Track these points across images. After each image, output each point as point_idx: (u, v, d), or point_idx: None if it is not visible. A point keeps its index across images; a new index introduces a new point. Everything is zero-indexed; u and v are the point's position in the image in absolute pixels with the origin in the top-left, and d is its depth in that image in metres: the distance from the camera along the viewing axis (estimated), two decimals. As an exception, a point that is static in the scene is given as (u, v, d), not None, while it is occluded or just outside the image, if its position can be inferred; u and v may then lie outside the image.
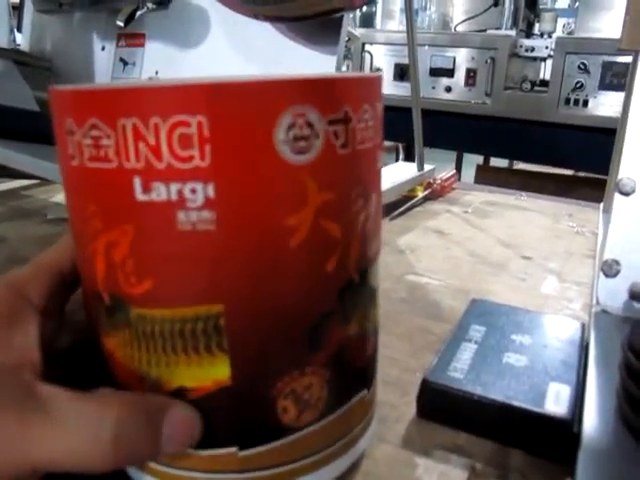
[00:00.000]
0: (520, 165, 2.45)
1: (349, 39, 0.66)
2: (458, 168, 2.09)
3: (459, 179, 0.83)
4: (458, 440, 0.28)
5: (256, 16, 0.52)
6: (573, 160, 1.45)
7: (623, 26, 0.37)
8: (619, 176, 0.38)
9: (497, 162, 2.19)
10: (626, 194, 0.38)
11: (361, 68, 1.63)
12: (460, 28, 1.66)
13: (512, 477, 0.26)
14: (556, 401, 0.28)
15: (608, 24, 1.44)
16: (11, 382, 0.18)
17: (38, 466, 0.17)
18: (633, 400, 0.27)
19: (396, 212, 0.64)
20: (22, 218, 0.59)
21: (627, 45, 0.37)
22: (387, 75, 1.63)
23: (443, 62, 1.53)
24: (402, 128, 0.77)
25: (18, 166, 0.50)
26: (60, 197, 0.67)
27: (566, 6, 2.10)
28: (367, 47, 1.63)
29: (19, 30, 0.76)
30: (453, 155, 2.11)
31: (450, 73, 1.53)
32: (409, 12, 0.60)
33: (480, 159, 2.10)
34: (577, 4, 1.56)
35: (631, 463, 0.25)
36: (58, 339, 0.22)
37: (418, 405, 0.29)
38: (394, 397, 0.31)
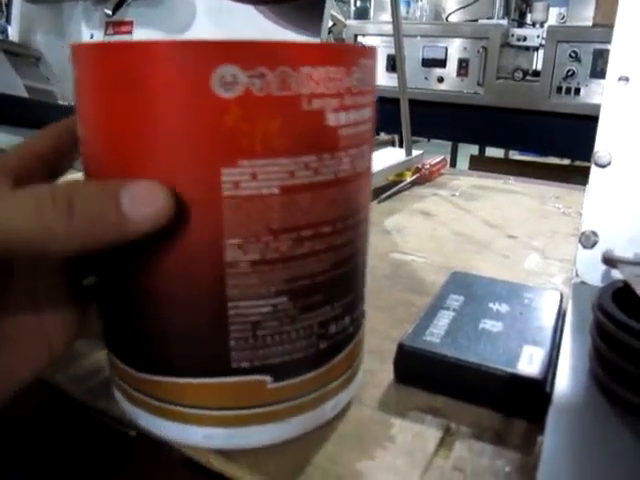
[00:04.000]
0: (516, 156, 2.45)
1: (334, 24, 0.67)
2: (453, 159, 2.09)
3: (454, 167, 0.84)
4: (434, 403, 0.29)
5: (242, 0, 0.52)
6: (566, 148, 1.46)
7: (596, 2, 0.37)
8: (595, 148, 0.38)
9: (493, 153, 2.20)
10: (602, 166, 0.38)
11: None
12: (452, 18, 1.66)
13: (486, 436, 0.26)
14: (529, 362, 0.28)
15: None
16: None
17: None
18: (603, 359, 0.27)
19: (384, 195, 0.64)
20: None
21: (600, 19, 0.37)
22: (380, 66, 1.63)
23: (435, 53, 1.53)
24: (396, 120, 0.77)
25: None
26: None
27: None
28: (360, 39, 1.63)
29: (7, 22, 0.76)
30: (449, 147, 2.12)
31: (442, 63, 1.54)
32: (394, 4, 0.60)
33: (476, 150, 2.10)
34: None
35: (601, 421, 0.26)
36: None
37: (395, 369, 0.30)
38: (373, 364, 0.32)
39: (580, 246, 0.39)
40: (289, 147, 0.20)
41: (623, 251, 0.36)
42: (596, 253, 0.38)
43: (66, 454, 0.27)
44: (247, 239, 0.20)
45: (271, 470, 0.24)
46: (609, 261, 0.36)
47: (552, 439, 0.24)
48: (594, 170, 0.39)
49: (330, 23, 0.54)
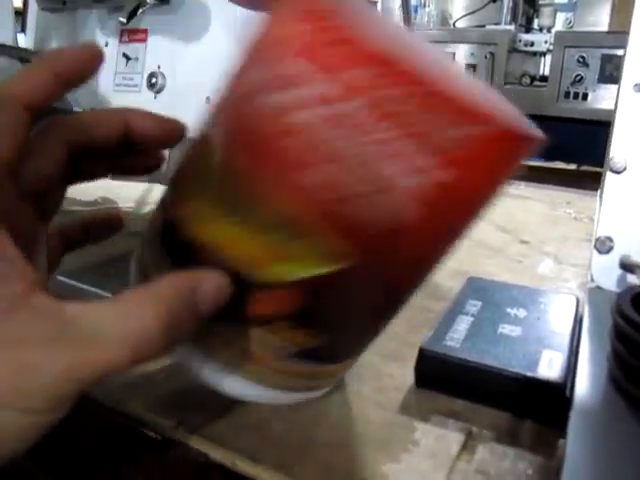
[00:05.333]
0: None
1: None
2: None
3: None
4: (455, 406, 0.29)
5: (257, 6, 0.53)
6: (574, 153, 1.46)
7: (612, 9, 0.37)
8: (610, 154, 0.39)
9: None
10: (617, 172, 0.38)
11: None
12: (459, 24, 1.67)
13: (507, 439, 0.27)
14: (549, 367, 0.29)
15: (607, 17, 1.44)
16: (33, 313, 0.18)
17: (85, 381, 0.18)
18: (623, 362, 0.28)
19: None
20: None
21: (615, 27, 0.37)
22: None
23: (443, 58, 1.54)
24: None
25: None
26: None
27: (566, 0, 2.11)
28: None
29: (23, 31, 0.77)
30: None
31: (450, 69, 1.54)
32: (406, 10, 0.61)
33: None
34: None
35: (621, 424, 0.26)
36: None
37: (416, 374, 0.30)
38: (393, 368, 0.32)
39: (595, 251, 0.39)
40: None
41: (639, 256, 0.37)
42: (611, 258, 0.39)
43: (93, 457, 0.28)
44: None
45: (296, 472, 0.24)
46: (627, 266, 0.36)
47: (574, 443, 0.24)
48: (609, 176, 0.39)
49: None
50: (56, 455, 0.30)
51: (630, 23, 0.38)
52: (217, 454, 0.25)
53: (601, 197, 0.55)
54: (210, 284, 0.20)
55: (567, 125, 1.43)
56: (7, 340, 0.17)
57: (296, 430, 0.27)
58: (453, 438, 0.27)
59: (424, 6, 1.69)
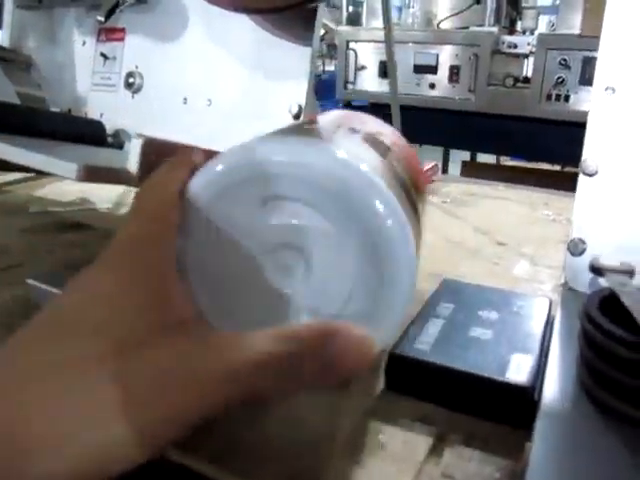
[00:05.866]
0: (507, 162, 2.46)
1: (326, 32, 0.67)
2: (445, 164, 2.10)
3: (445, 172, 0.84)
4: (424, 410, 0.29)
5: (235, 8, 0.52)
6: (556, 154, 1.47)
7: (583, 14, 0.38)
8: (583, 157, 0.39)
9: (485, 159, 2.21)
10: (590, 175, 0.39)
11: (346, 66, 1.64)
12: (443, 25, 1.67)
13: (475, 443, 0.27)
14: (518, 370, 0.29)
15: (588, 20, 1.46)
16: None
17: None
18: (590, 367, 0.28)
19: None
20: (5, 213, 0.60)
21: (587, 32, 0.38)
22: (372, 72, 1.64)
23: (427, 59, 1.54)
24: (387, 124, 0.78)
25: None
26: (42, 192, 0.67)
27: (549, 3, 2.12)
28: (352, 45, 1.64)
29: None
30: (440, 152, 2.13)
31: (434, 70, 1.55)
32: (385, 11, 0.61)
33: (467, 156, 2.11)
34: (558, 1, 1.58)
35: (587, 427, 0.26)
36: None
37: (386, 377, 0.30)
38: (365, 373, 0.32)
39: (568, 253, 0.40)
40: None
41: (610, 259, 0.37)
42: (584, 260, 0.39)
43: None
44: None
45: (259, 475, 0.24)
46: (596, 269, 0.36)
47: (540, 445, 0.24)
48: (582, 179, 0.39)
49: (322, 31, 0.54)
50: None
51: (601, 27, 0.38)
52: (181, 460, 0.25)
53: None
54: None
55: (550, 126, 1.44)
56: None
57: (263, 434, 0.27)
58: (421, 442, 0.27)
59: (408, 7, 1.70)
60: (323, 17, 0.54)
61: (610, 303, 0.29)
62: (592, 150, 0.39)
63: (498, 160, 2.43)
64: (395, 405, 0.29)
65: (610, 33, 0.38)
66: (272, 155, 0.23)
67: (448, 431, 0.27)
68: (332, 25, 0.63)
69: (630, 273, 0.34)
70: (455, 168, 1.80)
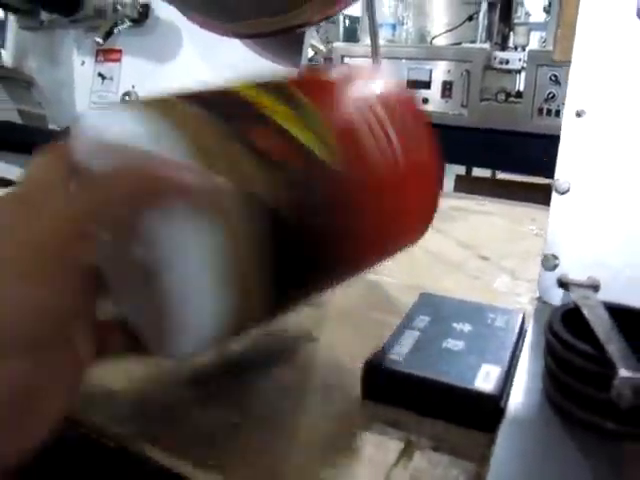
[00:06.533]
0: (502, 175, 2.48)
1: (315, 52, 0.70)
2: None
3: (440, 189, 0.86)
4: (398, 416, 0.31)
5: (225, 33, 0.55)
6: (548, 168, 1.49)
7: (554, 39, 0.40)
8: (555, 177, 0.41)
9: (480, 172, 2.23)
10: (562, 193, 0.41)
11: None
12: (437, 42, 1.70)
13: (443, 447, 0.28)
14: (485, 379, 0.30)
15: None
16: None
17: None
18: (553, 376, 0.30)
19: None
20: None
21: (559, 57, 0.40)
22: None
23: (420, 74, 1.57)
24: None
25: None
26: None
27: (542, 20, 2.15)
28: (346, 60, 1.67)
29: (2, 46, 0.78)
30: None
31: (427, 85, 1.57)
32: (372, 28, 0.63)
33: (462, 169, 2.13)
34: (548, 18, 1.61)
35: (549, 433, 0.28)
36: None
37: (362, 386, 0.32)
38: (344, 381, 0.34)
39: (542, 268, 0.41)
40: None
41: (579, 274, 0.39)
42: (557, 275, 0.41)
43: (48, 466, 0.29)
44: None
45: (236, 476, 0.26)
46: (563, 284, 0.38)
47: (502, 450, 0.26)
48: (555, 197, 0.41)
49: (311, 52, 0.57)
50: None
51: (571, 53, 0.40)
52: (165, 460, 0.27)
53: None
54: None
55: (542, 140, 1.47)
56: None
57: (241, 437, 0.28)
58: (392, 446, 0.28)
59: (403, 24, 1.73)
60: (312, 38, 0.56)
61: (573, 316, 0.31)
62: (564, 170, 0.41)
63: (493, 174, 2.45)
64: (370, 412, 0.31)
65: (580, 59, 0.40)
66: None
67: (419, 436, 0.29)
68: (321, 46, 0.65)
69: (595, 287, 0.36)
70: (449, 181, 1.82)
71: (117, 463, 0.29)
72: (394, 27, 1.71)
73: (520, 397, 0.30)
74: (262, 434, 0.29)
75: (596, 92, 0.40)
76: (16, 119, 0.69)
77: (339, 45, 1.69)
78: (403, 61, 1.58)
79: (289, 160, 0.26)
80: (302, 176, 0.26)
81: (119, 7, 0.62)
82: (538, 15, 2.05)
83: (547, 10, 1.78)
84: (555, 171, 0.41)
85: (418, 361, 0.32)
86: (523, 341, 0.36)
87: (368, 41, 1.76)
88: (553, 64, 1.40)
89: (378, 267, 0.49)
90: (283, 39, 0.52)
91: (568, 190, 0.41)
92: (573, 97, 0.40)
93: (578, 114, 0.40)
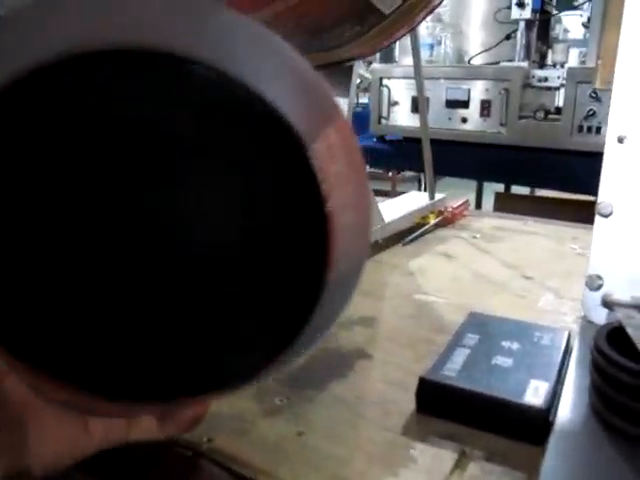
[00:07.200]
0: (542, 192, 2.47)
1: (361, 81, 0.72)
2: (479, 196, 2.13)
3: (480, 207, 0.88)
4: (451, 429, 0.33)
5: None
6: (589, 186, 1.49)
7: (596, 68, 0.42)
8: (598, 199, 0.43)
9: (519, 190, 2.22)
10: (605, 216, 0.42)
11: (379, 102, 1.70)
12: (474, 61, 1.72)
13: (495, 458, 0.30)
14: (534, 394, 0.32)
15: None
16: None
17: None
18: (599, 392, 0.31)
19: (408, 238, 0.69)
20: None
21: (601, 85, 0.42)
22: (405, 108, 1.69)
23: (458, 94, 1.59)
24: (421, 159, 0.82)
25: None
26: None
27: (581, 36, 2.15)
28: (385, 81, 1.70)
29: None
30: (474, 185, 2.16)
31: (465, 104, 1.59)
32: (416, 49, 0.66)
33: (501, 187, 2.13)
34: (587, 35, 1.62)
35: (596, 446, 0.29)
36: None
37: (417, 400, 0.34)
38: (398, 395, 0.36)
39: (586, 288, 0.43)
40: None
41: (623, 294, 0.40)
42: (601, 295, 0.42)
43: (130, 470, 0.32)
44: None
45: (310, 485, 0.28)
46: (607, 304, 0.39)
47: (551, 461, 0.28)
48: (598, 219, 0.43)
49: (358, 80, 0.59)
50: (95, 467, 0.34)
51: (613, 82, 0.42)
52: (240, 469, 0.29)
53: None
54: None
55: (581, 158, 1.46)
56: None
57: (308, 447, 0.31)
58: (447, 457, 0.30)
59: (440, 44, 1.75)
60: (359, 68, 0.59)
61: (618, 335, 0.33)
62: (607, 193, 0.43)
63: (532, 191, 2.44)
64: (424, 424, 0.33)
65: (621, 85, 0.42)
66: None
67: (472, 448, 0.31)
68: (364, 73, 0.67)
69: (638, 307, 0.38)
70: (489, 199, 1.83)
71: (192, 472, 0.32)
72: (432, 47, 1.74)
73: (567, 411, 0.32)
74: (325, 443, 0.31)
75: (637, 118, 0.41)
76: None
77: (376, 67, 1.72)
78: (441, 81, 1.60)
79: None
80: None
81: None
82: (577, 31, 2.05)
83: (586, 26, 1.78)
84: (598, 194, 0.43)
85: (470, 376, 0.34)
86: (569, 358, 0.38)
87: (406, 61, 1.79)
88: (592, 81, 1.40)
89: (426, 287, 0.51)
90: (333, 71, 0.55)
91: (611, 213, 0.42)
92: (614, 123, 0.42)
93: (620, 140, 0.42)
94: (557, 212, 1.47)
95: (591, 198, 1.86)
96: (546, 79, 1.54)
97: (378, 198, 0.79)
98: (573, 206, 1.62)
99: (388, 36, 0.44)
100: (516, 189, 2.17)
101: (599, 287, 0.42)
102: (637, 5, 0.40)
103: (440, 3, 0.46)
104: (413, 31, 0.62)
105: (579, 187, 1.54)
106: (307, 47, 0.52)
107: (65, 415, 0.24)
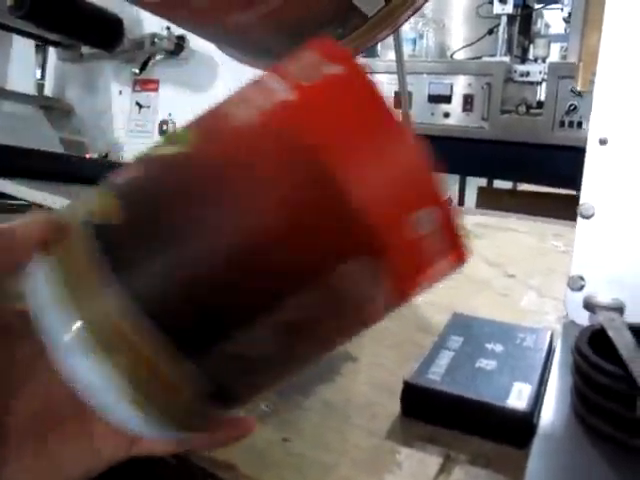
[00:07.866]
0: (524, 186, 2.49)
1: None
2: (461, 191, 2.14)
3: (462, 203, 0.88)
4: (436, 433, 0.33)
5: (263, 67, 0.57)
6: (570, 180, 1.50)
7: (576, 71, 0.42)
8: (581, 201, 0.43)
9: (501, 184, 2.24)
10: (587, 217, 0.43)
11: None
12: (457, 56, 1.72)
13: (479, 462, 0.31)
14: (518, 397, 0.33)
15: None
16: None
17: None
18: (580, 394, 0.31)
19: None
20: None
21: (582, 87, 0.42)
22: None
23: (441, 89, 1.59)
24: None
25: (48, 204, 0.56)
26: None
27: (562, 31, 2.16)
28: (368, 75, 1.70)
29: (42, 77, 0.82)
30: (456, 180, 2.16)
31: (448, 99, 1.59)
32: (398, 44, 0.66)
33: (484, 182, 2.14)
34: (568, 30, 1.63)
35: (578, 447, 0.30)
36: None
37: (402, 404, 0.34)
38: (382, 398, 0.36)
39: (569, 289, 0.43)
40: None
41: (605, 295, 0.41)
42: (583, 296, 0.43)
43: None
44: None
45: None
46: (589, 306, 0.40)
47: (535, 463, 0.28)
48: (580, 221, 0.43)
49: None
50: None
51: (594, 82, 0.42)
52: (225, 475, 0.29)
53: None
54: None
55: (563, 152, 1.48)
56: None
57: (294, 453, 0.31)
58: (432, 461, 0.31)
59: (422, 38, 1.75)
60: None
61: (600, 337, 0.33)
62: (589, 195, 0.43)
63: (514, 185, 2.46)
64: (410, 428, 0.33)
65: (602, 88, 0.42)
66: None
67: (457, 451, 0.31)
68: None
69: (620, 310, 0.38)
70: (472, 194, 1.83)
71: (177, 478, 0.32)
72: (414, 42, 1.73)
73: (550, 413, 0.32)
74: (311, 449, 0.31)
75: (619, 120, 0.42)
76: (57, 146, 0.73)
77: (360, 61, 1.72)
78: (424, 75, 1.60)
79: None
80: None
81: (156, 40, 0.65)
82: (558, 26, 2.06)
83: (567, 21, 1.79)
84: (579, 190, 0.43)
85: (454, 380, 0.34)
86: (552, 359, 0.38)
87: (389, 56, 1.79)
88: (574, 75, 1.41)
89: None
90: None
91: (593, 214, 0.42)
92: (596, 125, 0.42)
93: (601, 142, 0.42)
94: (539, 206, 1.49)
95: (572, 192, 1.88)
96: (528, 74, 1.55)
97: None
98: (554, 199, 1.63)
99: (371, 38, 0.44)
100: (498, 183, 2.18)
101: (581, 288, 0.43)
102: (617, 8, 0.41)
103: (423, 4, 0.46)
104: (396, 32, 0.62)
105: (561, 181, 1.56)
106: (288, 49, 0.51)
107: (75, 439, 0.24)
